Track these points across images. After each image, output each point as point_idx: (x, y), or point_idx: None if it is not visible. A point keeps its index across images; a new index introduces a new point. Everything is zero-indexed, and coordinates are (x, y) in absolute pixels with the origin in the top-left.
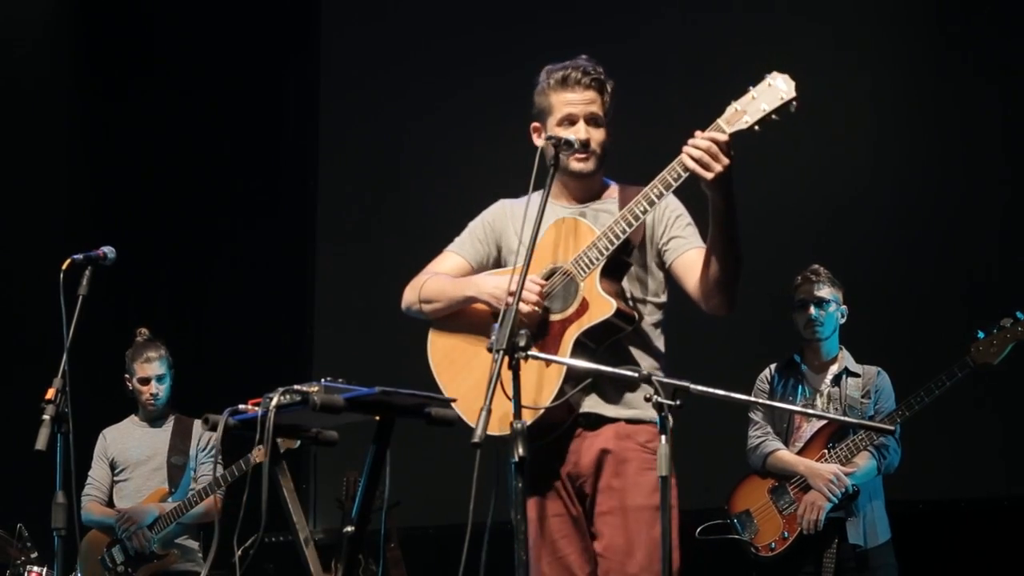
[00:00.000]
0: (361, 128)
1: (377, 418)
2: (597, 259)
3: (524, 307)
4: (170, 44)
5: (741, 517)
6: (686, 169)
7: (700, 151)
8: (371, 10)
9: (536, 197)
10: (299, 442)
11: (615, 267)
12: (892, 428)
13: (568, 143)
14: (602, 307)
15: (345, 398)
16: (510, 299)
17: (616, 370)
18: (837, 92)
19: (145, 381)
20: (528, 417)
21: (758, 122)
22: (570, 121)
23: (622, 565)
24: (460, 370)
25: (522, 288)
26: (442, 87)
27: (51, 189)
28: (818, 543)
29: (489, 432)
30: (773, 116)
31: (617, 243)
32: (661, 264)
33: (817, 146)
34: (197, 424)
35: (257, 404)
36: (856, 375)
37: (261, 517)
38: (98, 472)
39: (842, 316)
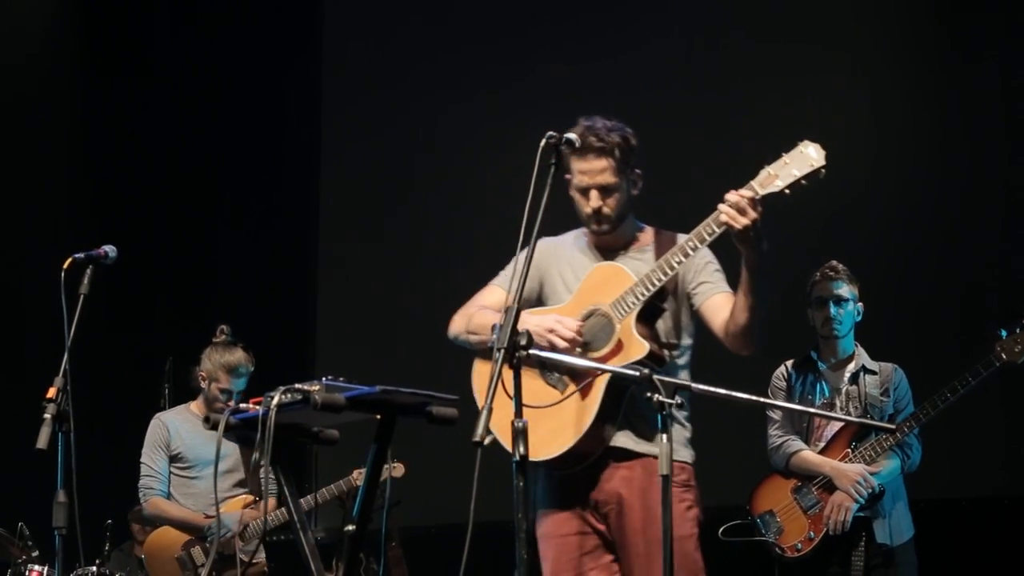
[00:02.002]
0: (364, 128)
1: (378, 417)
2: (634, 304)
3: (560, 343)
4: (172, 46)
5: (764, 517)
6: (720, 225)
7: (733, 207)
8: (374, 15)
9: (571, 238)
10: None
11: (650, 312)
12: (901, 430)
13: (568, 141)
14: (636, 348)
15: (346, 397)
16: (550, 335)
17: (617, 368)
18: (838, 90)
19: (227, 392)
20: (561, 447)
21: (789, 186)
22: (583, 190)
23: None
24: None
25: (521, 291)
26: (445, 94)
27: (52, 189)
28: (844, 543)
29: (534, 457)
30: (803, 182)
31: (653, 290)
32: (690, 307)
33: (818, 140)
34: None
35: (258, 403)
36: (873, 372)
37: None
38: (160, 463)
39: (858, 313)
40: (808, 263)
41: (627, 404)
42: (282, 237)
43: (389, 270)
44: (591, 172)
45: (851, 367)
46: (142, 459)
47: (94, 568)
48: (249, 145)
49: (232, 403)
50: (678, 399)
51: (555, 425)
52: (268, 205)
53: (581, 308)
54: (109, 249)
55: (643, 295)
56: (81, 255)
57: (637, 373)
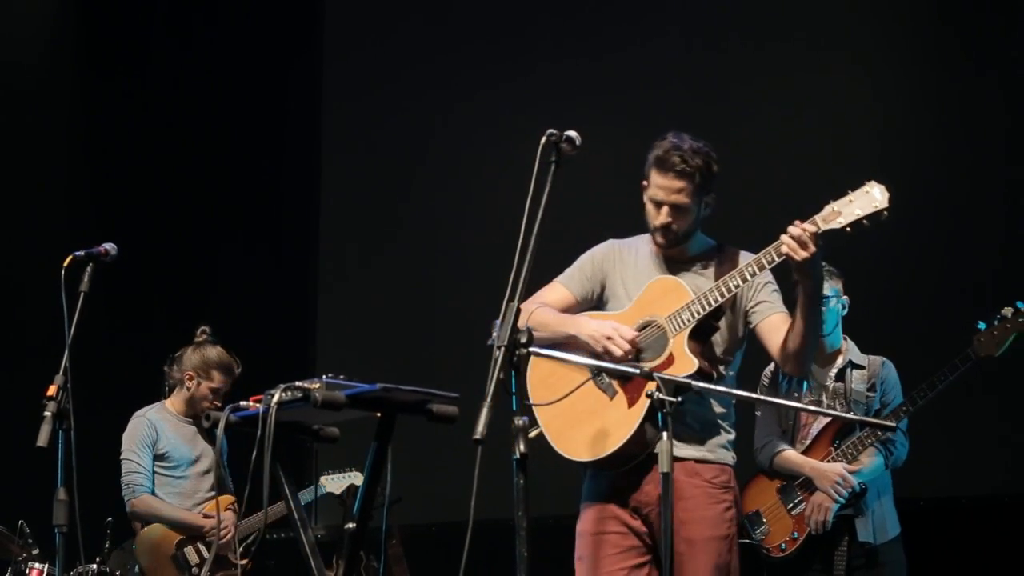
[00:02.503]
0: (365, 127)
1: (378, 415)
2: (689, 320)
3: (616, 352)
4: (172, 44)
5: (752, 518)
6: (780, 255)
7: (795, 239)
8: (374, 14)
9: (644, 245)
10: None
11: (704, 329)
12: (893, 425)
13: (569, 139)
14: (685, 365)
15: (346, 394)
16: (607, 342)
17: (619, 367)
18: (838, 88)
19: (215, 391)
20: (607, 449)
21: (850, 224)
22: (657, 204)
23: None
24: (553, 395)
25: (522, 285)
26: (445, 93)
27: (52, 187)
28: (827, 542)
29: (577, 458)
30: (865, 222)
31: (710, 310)
32: (747, 324)
33: (820, 139)
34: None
35: (259, 401)
36: (861, 367)
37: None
38: (146, 460)
39: (843, 308)
40: None
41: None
42: (283, 236)
43: (390, 268)
44: (668, 189)
45: (838, 363)
46: (125, 456)
47: (94, 566)
48: (250, 144)
49: (217, 402)
50: (681, 398)
51: (603, 427)
52: (269, 204)
53: (638, 318)
54: (110, 247)
55: (699, 313)
56: (81, 253)
57: (638, 371)
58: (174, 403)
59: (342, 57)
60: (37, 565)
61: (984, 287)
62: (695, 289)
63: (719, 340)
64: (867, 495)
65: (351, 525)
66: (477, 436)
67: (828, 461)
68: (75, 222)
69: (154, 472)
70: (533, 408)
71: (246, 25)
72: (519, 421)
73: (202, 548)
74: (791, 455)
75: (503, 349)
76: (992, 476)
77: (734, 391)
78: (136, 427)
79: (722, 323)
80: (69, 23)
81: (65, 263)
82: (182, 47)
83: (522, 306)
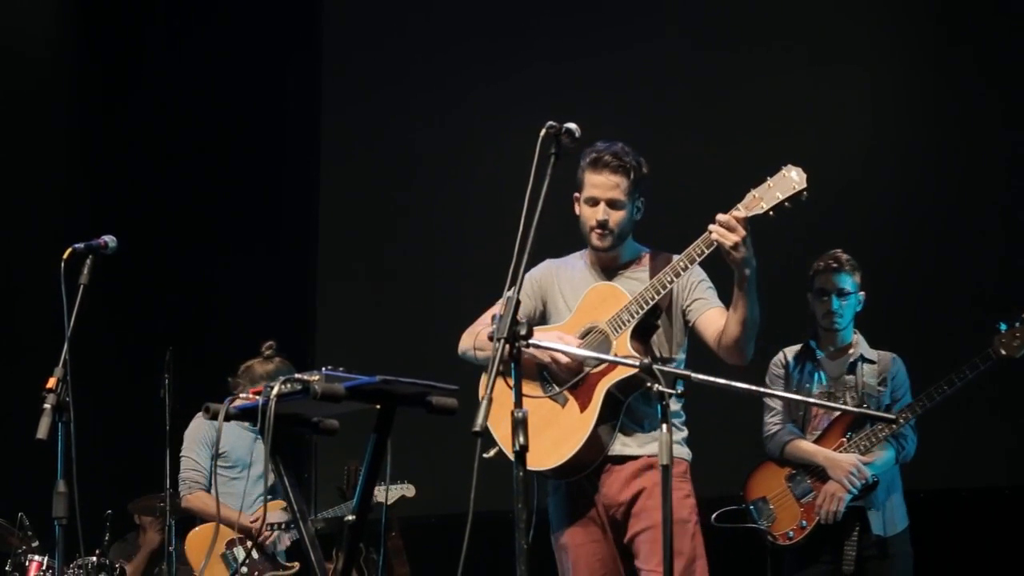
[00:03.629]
0: (364, 125)
1: (378, 407)
2: (628, 321)
3: (563, 359)
4: (172, 44)
5: (757, 504)
6: (709, 245)
7: (721, 228)
8: (374, 14)
9: (578, 260)
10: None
11: (644, 328)
12: (893, 417)
13: (568, 131)
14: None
15: (346, 387)
16: (555, 353)
17: (619, 359)
18: (834, 85)
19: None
20: (562, 457)
21: (772, 208)
22: (593, 201)
23: (655, 571)
24: (506, 412)
25: (520, 284)
26: (444, 91)
27: (52, 183)
28: (837, 532)
29: (539, 467)
30: (786, 204)
31: (647, 308)
32: (685, 323)
33: (818, 134)
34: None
35: (258, 393)
36: (872, 362)
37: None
38: (203, 459)
39: (860, 303)
40: (802, 251)
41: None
42: (282, 230)
43: (389, 262)
44: (604, 186)
45: (850, 356)
46: (185, 453)
47: (94, 558)
48: (249, 139)
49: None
50: (679, 388)
51: (556, 436)
52: (269, 198)
53: (580, 326)
54: (109, 239)
55: (637, 312)
56: (81, 245)
57: (638, 364)
58: None
59: (341, 55)
60: (37, 557)
61: (981, 282)
62: (631, 292)
63: (660, 340)
64: (878, 488)
65: (351, 517)
66: (477, 428)
67: (841, 452)
68: (74, 216)
69: (213, 471)
70: (491, 429)
71: (245, 22)
72: (518, 413)
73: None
74: (804, 444)
75: (502, 341)
76: (991, 468)
77: (733, 383)
78: (197, 427)
79: (661, 322)
80: (69, 22)
81: (64, 256)
82: (181, 44)
83: (467, 330)
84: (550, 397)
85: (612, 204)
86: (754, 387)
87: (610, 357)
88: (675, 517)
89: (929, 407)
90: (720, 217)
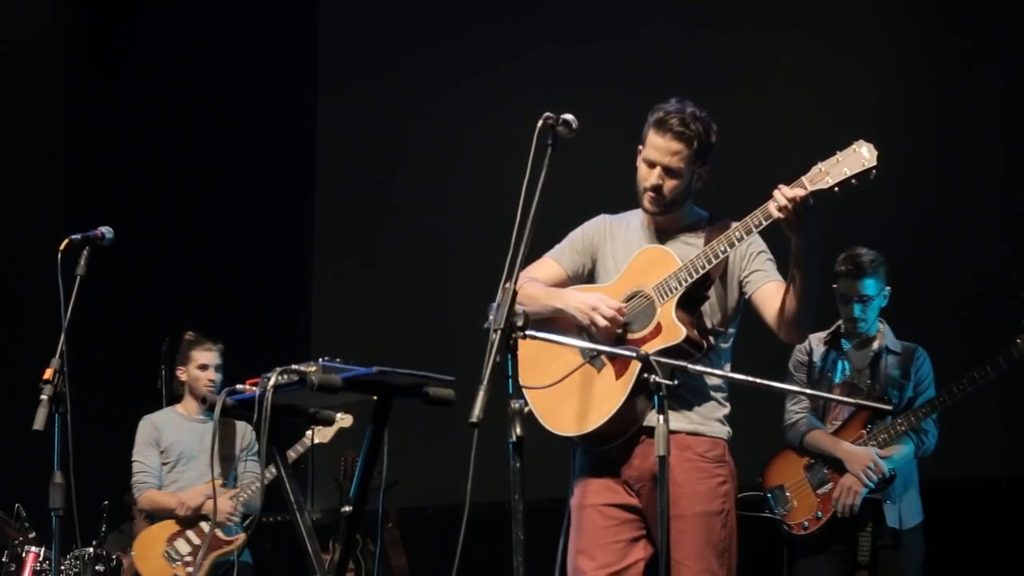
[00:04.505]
0: (360, 112)
1: (375, 398)
2: (676, 288)
3: (602, 322)
4: (168, 32)
5: (775, 492)
6: (767, 216)
7: (782, 203)
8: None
9: (634, 219)
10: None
11: (692, 298)
12: (889, 408)
13: (565, 122)
14: (673, 333)
15: (343, 378)
16: (594, 313)
17: (614, 349)
18: (837, 75)
19: (204, 367)
20: (594, 423)
21: (838, 184)
22: (650, 164)
23: (679, 568)
24: (542, 371)
25: (518, 269)
26: (442, 76)
27: (48, 171)
28: (852, 524)
29: (565, 432)
30: (853, 181)
31: (697, 276)
32: (741, 295)
33: (816, 131)
34: (240, 424)
35: (255, 384)
36: (896, 353)
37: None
38: (152, 459)
39: (885, 298)
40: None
41: None
42: (278, 220)
43: (386, 252)
44: (663, 151)
45: (874, 347)
46: (134, 458)
47: (91, 549)
48: (245, 130)
49: (215, 376)
50: (676, 380)
51: (590, 400)
52: (264, 188)
53: (625, 289)
54: (105, 230)
55: (686, 280)
56: (78, 236)
57: (634, 354)
58: (185, 405)
59: (338, 44)
60: (34, 548)
61: (984, 279)
62: (683, 258)
63: (710, 311)
64: (895, 482)
65: (347, 508)
66: (473, 419)
67: (859, 444)
68: (71, 206)
69: (163, 469)
70: (523, 387)
71: (241, 11)
72: (515, 404)
73: (192, 537)
74: (823, 436)
75: (499, 332)
76: (990, 460)
77: (732, 375)
78: (143, 429)
79: (712, 293)
80: (66, 8)
81: (61, 246)
82: (176, 33)
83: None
84: (587, 361)
85: (668, 171)
86: (758, 379)
87: (606, 348)
88: (707, 509)
89: (950, 404)
90: (781, 193)
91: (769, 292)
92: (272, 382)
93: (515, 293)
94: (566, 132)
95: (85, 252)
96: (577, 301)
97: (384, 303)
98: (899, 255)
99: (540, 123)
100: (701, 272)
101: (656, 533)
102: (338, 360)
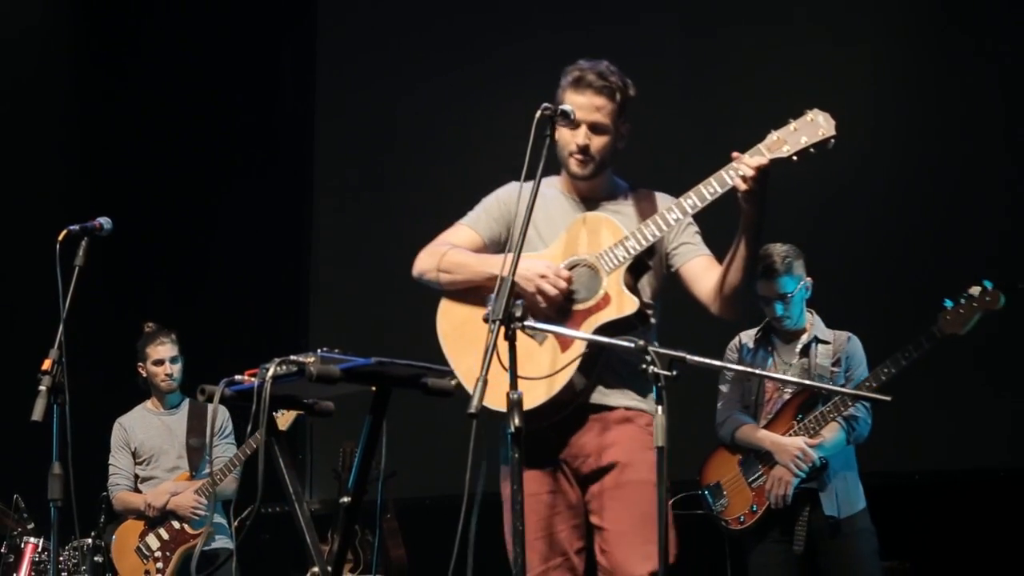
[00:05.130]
0: (359, 99)
1: (373, 389)
2: (624, 258)
3: (551, 291)
4: (166, 21)
5: (712, 489)
6: (724, 185)
7: (748, 172)
8: None
9: (550, 188)
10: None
11: (637, 268)
12: (867, 395)
13: (564, 113)
14: (626, 304)
15: (341, 368)
16: (541, 281)
17: (614, 340)
18: (834, 67)
19: (159, 362)
20: (537, 399)
21: (796, 153)
22: (575, 124)
23: (623, 536)
24: (469, 343)
25: (517, 261)
26: (438, 60)
27: (47, 161)
28: (787, 514)
29: (489, 406)
30: (811, 150)
31: (647, 245)
32: (667, 268)
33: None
34: (211, 408)
35: (253, 375)
36: (826, 342)
37: (257, 488)
38: (123, 461)
39: (807, 290)
40: (803, 240)
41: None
42: (276, 210)
43: (384, 242)
44: (587, 108)
45: (803, 339)
46: (109, 461)
47: (89, 540)
48: (243, 119)
49: (170, 370)
50: (674, 371)
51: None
52: (262, 179)
53: (564, 257)
54: (104, 221)
55: (635, 249)
56: (76, 227)
57: (633, 345)
58: (153, 401)
59: (336, 26)
60: (32, 539)
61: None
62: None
63: (649, 282)
64: (829, 469)
65: (346, 499)
66: (472, 410)
67: (789, 435)
68: (69, 195)
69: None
70: (450, 361)
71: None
72: (514, 395)
73: (162, 532)
74: (751, 430)
75: (498, 323)
76: (986, 450)
77: (728, 365)
78: (113, 433)
79: (652, 263)
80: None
81: (60, 237)
82: (175, 22)
83: (424, 249)
84: (526, 333)
85: (594, 128)
86: (747, 368)
87: (606, 340)
88: (642, 478)
89: (877, 388)
90: (743, 158)
91: (700, 266)
92: (271, 373)
93: (513, 283)
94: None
95: (84, 243)
96: (521, 268)
97: (383, 293)
98: (899, 253)
99: (538, 114)
100: (651, 241)
101: (595, 502)
102: (337, 351)
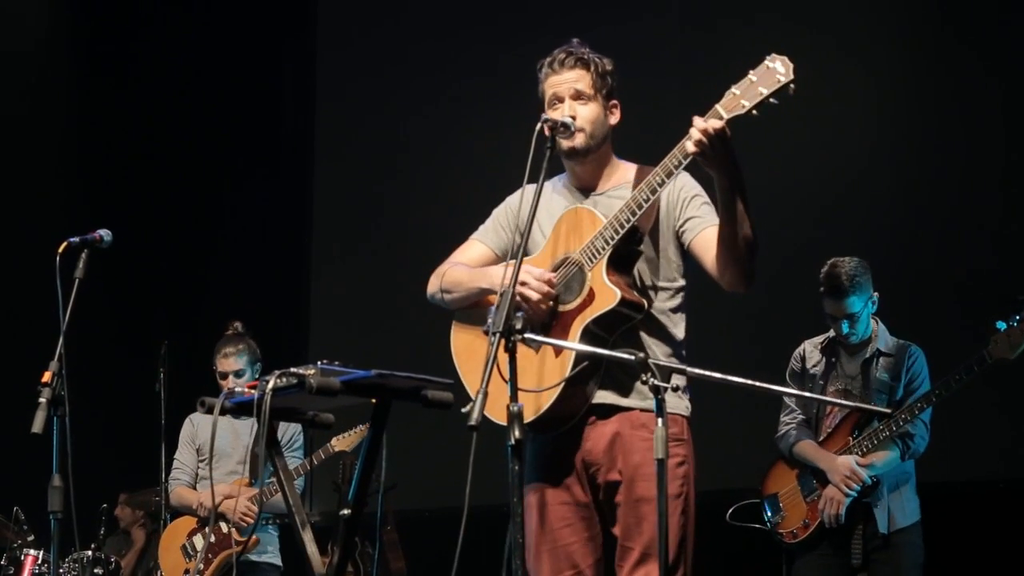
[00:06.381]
0: (358, 112)
1: (373, 401)
2: (603, 248)
3: (533, 296)
4: (168, 25)
5: (770, 500)
6: (686, 155)
7: (696, 136)
8: None
9: (554, 182)
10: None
11: (623, 256)
12: (888, 411)
13: (564, 125)
14: (607, 297)
15: (341, 381)
16: (522, 288)
17: (613, 353)
18: (834, 71)
19: (223, 376)
20: (536, 409)
21: (755, 106)
22: (558, 100)
23: (637, 552)
24: (479, 360)
25: (518, 272)
26: (441, 71)
27: (47, 172)
28: (840, 529)
29: (492, 418)
30: (771, 99)
31: (623, 232)
32: (680, 246)
33: (815, 128)
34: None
35: (253, 387)
36: (889, 355)
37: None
38: (187, 457)
39: (873, 304)
40: (805, 242)
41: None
42: (277, 222)
43: (383, 254)
44: (565, 82)
45: (867, 351)
46: (174, 456)
47: (89, 552)
48: (243, 129)
49: (233, 384)
50: (675, 383)
51: (530, 386)
52: (263, 190)
53: (553, 256)
54: (104, 233)
55: (612, 238)
56: (76, 239)
57: (632, 357)
58: None
59: (336, 44)
60: (32, 551)
61: (982, 276)
62: (609, 215)
63: (648, 267)
64: (883, 486)
65: (346, 511)
66: (472, 423)
67: (844, 453)
68: (69, 207)
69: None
70: (462, 378)
71: (241, 4)
72: (514, 407)
73: (210, 534)
74: (807, 447)
75: (498, 336)
76: (988, 462)
77: (729, 378)
78: (183, 428)
79: (647, 247)
80: (64, 11)
81: (60, 249)
82: (176, 31)
83: (436, 270)
84: (524, 344)
85: (579, 96)
86: (751, 381)
87: (605, 352)
88: (652, 493)
89: (928, 408)
90: (695, 127)
91: (708, 239)
92: (271, 385)
93: (514, 295)
94: (565, 135)
95: (84, 255)
96: (500, 277)
97: (383, 306)
98: (900, 254)
99: (538, 127)
100: (626, 227)
101: (616, 516)
102: (337, 363)
